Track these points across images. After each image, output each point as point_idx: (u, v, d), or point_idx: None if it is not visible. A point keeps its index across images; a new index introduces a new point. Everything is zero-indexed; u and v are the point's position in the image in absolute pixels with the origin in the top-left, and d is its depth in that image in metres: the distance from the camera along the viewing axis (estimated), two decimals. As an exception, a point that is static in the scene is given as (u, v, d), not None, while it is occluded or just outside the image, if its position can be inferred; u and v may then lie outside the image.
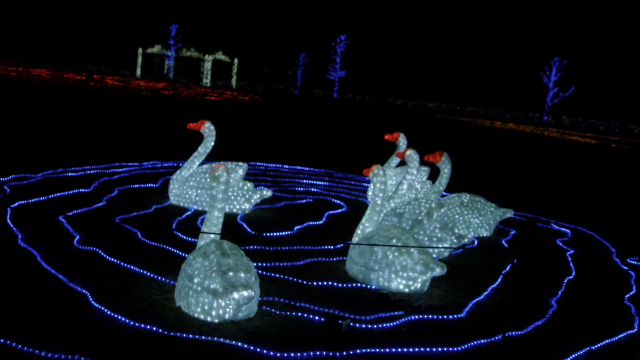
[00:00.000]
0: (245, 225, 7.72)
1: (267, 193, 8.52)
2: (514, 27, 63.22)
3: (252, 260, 5.04)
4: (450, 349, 4.61)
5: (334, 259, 6.65)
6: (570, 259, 7.83)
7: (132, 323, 4.43)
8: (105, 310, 4.60)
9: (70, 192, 8.34)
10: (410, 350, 4.51)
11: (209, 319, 4.64)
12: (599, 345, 5.03)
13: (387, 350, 4.47)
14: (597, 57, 58.42)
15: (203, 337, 4.34)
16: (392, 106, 58.10)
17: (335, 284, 5.83)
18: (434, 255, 6.98)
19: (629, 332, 5.41)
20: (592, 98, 55.27)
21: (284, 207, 9.11)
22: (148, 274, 5.51)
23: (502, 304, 5.80)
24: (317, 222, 8.38)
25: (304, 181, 11.47)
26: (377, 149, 14.66)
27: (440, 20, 66.37)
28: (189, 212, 8.13)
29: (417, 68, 63.98)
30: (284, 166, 12.87)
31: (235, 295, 4.47)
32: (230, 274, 4.61)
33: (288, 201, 9.53)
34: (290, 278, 5.84)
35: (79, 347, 4.01)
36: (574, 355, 4.78)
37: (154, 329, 4.38)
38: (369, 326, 4.89)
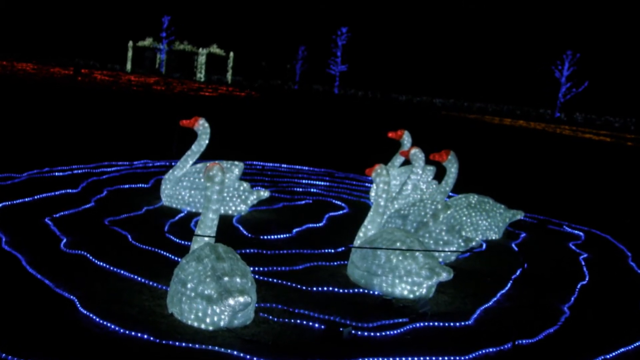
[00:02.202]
0: (241, 228, 7.72)
1: (265, 194, 8.53)
2: (524, 19, 63.23)
3: (248, 265, 5.04)
4: (458, 357, 4.61)
5: (335, 263, 6.66)
6: (583, 263, 7.83)
7: (122, 330, 4.43)
8: (94, 317, 4.60)
9: (56, 192, 8.35)
10: (415, 359, 4.51)
11: (203, 326, 4.64)
12: (613, 354, 5.03)
13: (391, 359, 4.47)
14: (611, 50, 58.41)
15: (197, 346, 4.34)
16: (396, 102, 58.11)
17: (336, 289, 5.83)
18: (440, 259, 6.98)
19: (646, 340, 5.41)
20: (606, 94, 55.27)
21: (282, 209, 9.12)
22: (139, 278, 5.51)
23: (512, 310, 5.80)
24: (317, 225, 8.39)
25: (303, 181, 11.48)
26: (380, 147, 14.67)
27: (447, 12, 66.36)
28: (182, 214, 8.14)
29: (422, 62, 63.97)
30: (282, 165, 12.88)
31: (231, 301, 4.47)
32: (226, 279, 4.61)
33: (286, 202, 9.53)
34: (289, 283, 5.84)
35: (67, 356, 4.01)
36: (587, 365, 4.79)
37: (145, 336, 4.38)
38: (372, 334, 4.89)
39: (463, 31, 64.64)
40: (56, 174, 9.61)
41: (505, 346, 4.86)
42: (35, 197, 7.97)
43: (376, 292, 5.83)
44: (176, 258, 6.04)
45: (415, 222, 7.29)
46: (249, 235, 7.45)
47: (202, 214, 5.30)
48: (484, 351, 4.76)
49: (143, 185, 9.57)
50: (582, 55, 55.45)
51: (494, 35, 63.54)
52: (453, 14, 66.25)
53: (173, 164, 9.69)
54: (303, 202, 9.75)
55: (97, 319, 4.57)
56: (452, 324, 5.26)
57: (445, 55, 64.13)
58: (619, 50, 58.42)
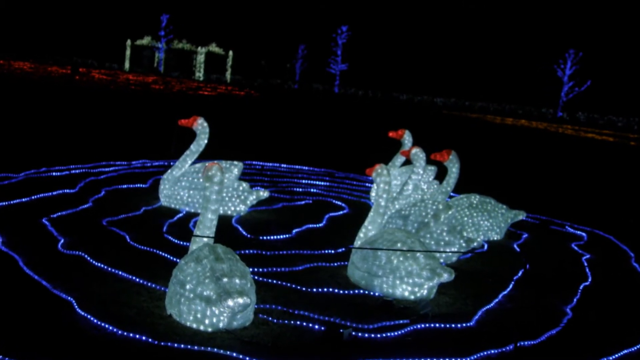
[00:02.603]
0: (240, 228, 7.72)
1: (264, 194, 8.53)
2: (526, 16, 63.21)
3: (248, 266, 5.04)
4: (459, 359, 4.61)
5: (335, 264, 6.66)
6: (586, 264, 7.83)
7: (120, 332, 4.43)
8: (92, 318, 4.60)
9: (54, 192, 8.35)
10: (416, 361, 4.51)
11: (201, 327, 4.64)
12: (616, 355, 5.03)
13: (392, 361, 4.47)
14: (614, 48, 58.40)
15: (195, 347, 4.34)
16: (397, 101, 58.13)
17: (336, 290, 5.83)
18: (442, 260, 6.98)
19: (649, 341, 5.40)
20: (609, 93, 55.27)
21: (281, 209, 9.12)
22: (137, 279, 5.51)
23: (514, 311, 5.81)
24: (317, 225, 8.39)
25: (303, 181, 11.48)
26: (380, 147, 14.67)
27: (449, 10, 66.36)
28: (180, 214, 8.14)
29: (423, 61, 63.98)
30: (282, 165, 12.87)
31: (230, 302, 4.47)
32: (225, 280, 4.61)
33: (286, 202, 9.53)
34: (289, 284, 5.84)
35: (64, 358, 4.00)
36: (590, 367, 4.78)
37: (144, 338, 4.38)
38: (372, 335, 4.89)
39: (464, 30, 64.63)
40: (53, 173, 9.61)
41: (507, 348, 4.86)
42: (33, 197, 7.97)
43: (377, 294, 5.83)
44: (175, 259, 6.04)
45: (416, 223, 7.29)
46: (248, 235, 7.45)
47: (201, 214, 5.30)
48: (485, 353, 4.76)
49: (141, 185, 9.57)
50: (585, 54, 55.45)
51: (496, 33, 63.52)
52: (454, 12, 66.24)
53: (171, 163, 9.69)
54: (303, 202, 9.75)
55: (95, 321, 4.57)
56: (453, 325, 5.26)
57: (446, 54, 64.13)
58: (622, 49, 58.42)
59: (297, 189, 10.69)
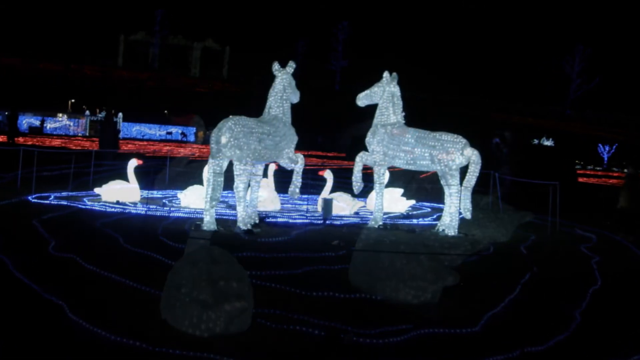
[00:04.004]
0: (238, 230, 7.72)
1: (263, 194, 8.53)
2: (533, 11, 63.27)
3: (245, 269, 5.03)
4: (464, 365, 4.60)
5: (336, 266, 6.65)
6: (595, 267, 7.82)
7: (113, 337, 4.42)
8: (84, 323, 4.59)
9: (45, 193, 8.35)
10: (420, 367, 4.50)
11: (197, 332, 4.63)
12: (627, 361, 5.02)
13: (394, 367, 4.46)
14: (624, 44, 58.47)
15: (191, 353, 4.33)
16: (399, 99, 58.04)
17: (337, 294, 5.82)
18: (446, 263, 6.97)
19: (660, 347, 5.39)
20: (618, 90, 55.31)
21: (281, 210, 9.12)
22: (131, 283, 5.50)
23: (521, 316, 5.80)
24: (318, 226, 8.38)
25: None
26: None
27: (452, 4, 66.43)
28: (176, 216, 8.14)
29: (426, 57, 64.06)
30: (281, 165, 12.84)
31: (227, 306, 4.47)
32: (222, 283, 4.61)
33: (286, 203, 9.53)
34: (288, 288, 5.83)
35: (55, 364, 4.00)
36: (599, 373, 4.77)
37: (137, 343, 4.37)
38: (374, 340, 4.88)
39: (469, 26, 64.72)
40: (45, 173, 9.60)
41: (514, 354, 4.85)
42: (23, 197, 7.97)
43: (379, 297, 5.82)
44: (170, 261, 6.03)
45: (419, 223, 7.29)
46: (246, 237, 7.44)
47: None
48: (491, 359, 4.75)
49: (136, 185, 9.56)
50: (594, 50, 55.51)
51: (502, 28, 63.58)
52: (459, 9, 66.32)
53: (167, 163, 9.69)
54: (303, 203, 9.74)
55: (87, 325, 4.56)
56: (458, 330, 5.25)
57: (450, 50, 64.21)
58: (632, 45, 58.48)
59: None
